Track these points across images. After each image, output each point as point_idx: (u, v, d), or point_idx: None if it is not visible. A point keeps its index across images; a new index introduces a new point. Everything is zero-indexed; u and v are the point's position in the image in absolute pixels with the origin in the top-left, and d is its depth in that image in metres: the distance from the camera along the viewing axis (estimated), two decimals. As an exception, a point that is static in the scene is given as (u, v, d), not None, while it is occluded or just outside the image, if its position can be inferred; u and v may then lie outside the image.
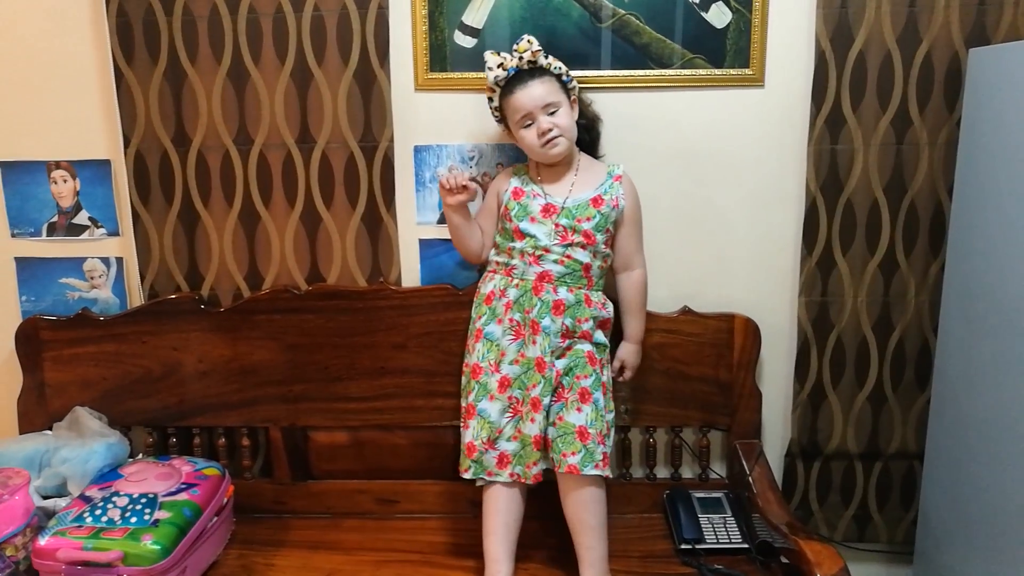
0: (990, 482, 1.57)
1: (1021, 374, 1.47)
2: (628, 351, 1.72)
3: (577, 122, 1.66)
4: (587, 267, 1.61)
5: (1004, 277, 1.52)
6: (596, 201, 1.62)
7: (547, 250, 1.59)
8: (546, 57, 1.60)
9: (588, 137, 1.71)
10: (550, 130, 1.57)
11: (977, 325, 1.61)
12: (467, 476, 1.60)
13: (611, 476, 1.62)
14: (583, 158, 1.69)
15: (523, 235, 1.61)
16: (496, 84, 1.61)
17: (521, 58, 1.58)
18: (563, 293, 1.59)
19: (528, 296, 1.59)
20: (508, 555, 1.58)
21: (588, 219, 1.60)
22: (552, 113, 1.58)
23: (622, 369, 1.73)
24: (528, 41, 1.57)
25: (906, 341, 1.82)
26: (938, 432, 1.77)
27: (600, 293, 1.65)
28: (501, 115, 1.65)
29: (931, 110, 1.72)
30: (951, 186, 1.72)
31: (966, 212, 1.66)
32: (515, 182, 1.67)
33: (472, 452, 1.58)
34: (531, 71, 1.58)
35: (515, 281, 1.61)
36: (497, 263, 1.66)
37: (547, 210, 1.61)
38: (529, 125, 1.59)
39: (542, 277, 1.59)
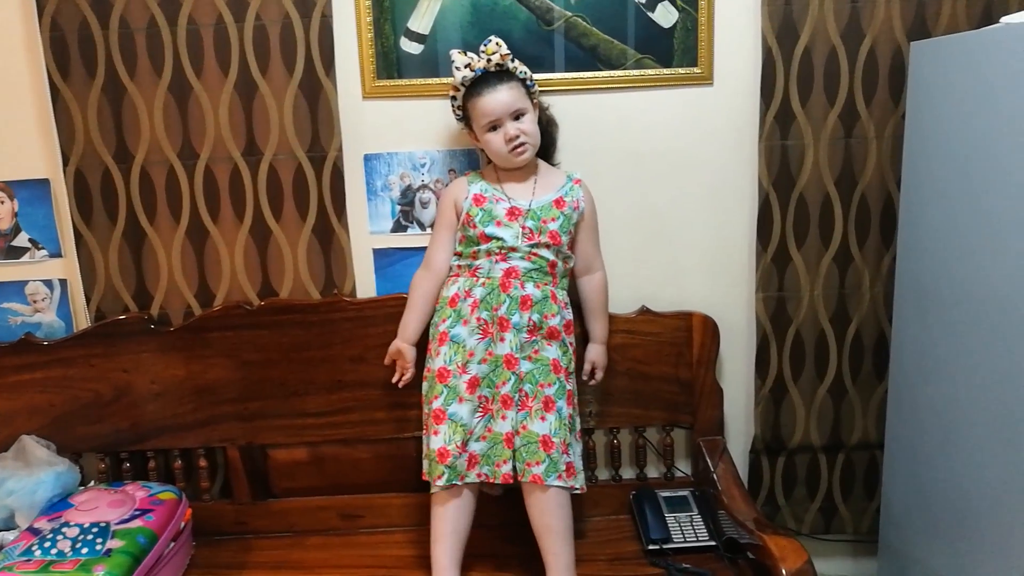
0: (948, 469, 1.58)
1: (973, 362, 1.49)
2: (596, 352, 1.72)
3: None
4: (552, 264, 1.61)
5: (952, 266, 1.54)
6: (558, 203, 1.62)
7: (514, 248, 1.58)
8: (513, 61, 1.59)
9: (543, 142, 1.69)
10: (517, 136, 1.56)
11: (929, 314, 1.63)
12: (440, 483, 1.55)
13: (582, 490, 1.59)
14: (540, 163, 1.68)
15: (489, 239, 1.59)
16: (462, 84, 1.58)
17: (489, 60, 1.56)
18: (530, 288, 1.58)
19: (496, 293, 1.58)
20: (454, 563, 1.56)
21: (553, 220, 1.60)
22: (518, 118, 1.57)
23: (592, 372, 1.72)
24: (496, 43, 1.56)
25: (863, 333, 1.84)
26: (896, 421, 1.79)
27: (564, 292, 1.65)
28: (464, 114, 1.63)
29: (877, 103, 1.73)
30: (900, 178, 1.74)
31: (914, 203, 1.68)
32: (474, 189, 1.64)
33: (446, 457, 1.55)
34: (498, 74, 1.57)
35: (481, 280, 1.60)
36: (459, 267, 1.64)
37: (512, 213, 1.60)
38: (495, 129, 1.57)
39: (509, 273, 1.58)
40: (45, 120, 1.75)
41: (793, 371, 1.86)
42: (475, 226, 1.60)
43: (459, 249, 1.65)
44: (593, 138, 1.77)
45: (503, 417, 1.56)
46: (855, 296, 1.82)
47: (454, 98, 1.63)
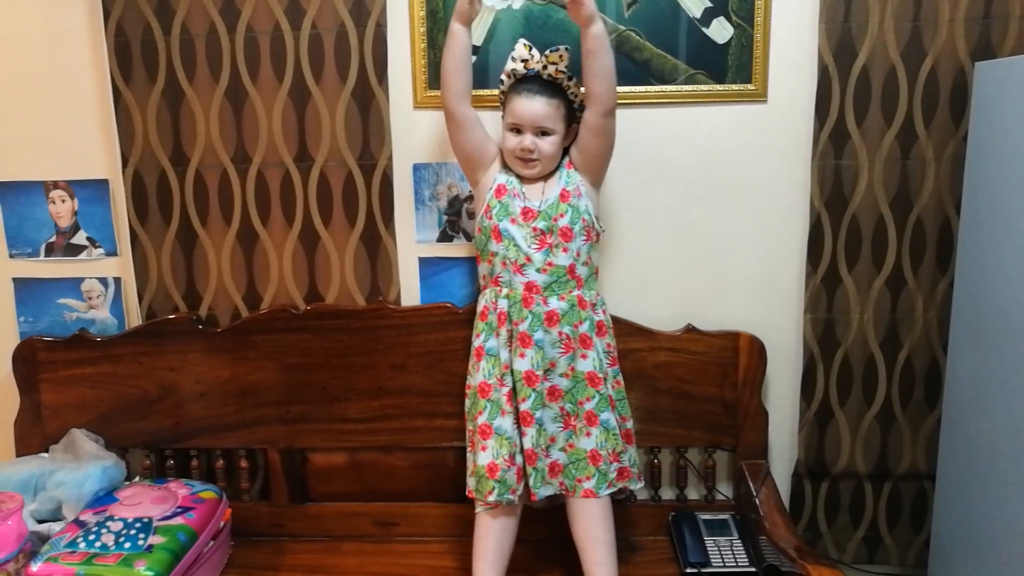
0: (1003, 505, 1.53)
1: (1033, 394, 1.44)
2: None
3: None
4: (571, 269, 1.57)
5: (1014, 294, 1.49)
6: (564, 196, 1.58)
7: (528, 259, 1.56)
8: (570, 79, 1.56)
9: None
10: (531, 152, 1.54)
11: (987, 342, 1.58)
12: (492, 498, 1.53)
13: (633, 490, 1.66)
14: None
15: (501, 236, 1.57)
16: (512, 74, 1.57)
17: (546, 67, 1.54)
18: (554, 303, 1.56)
19: (518, 308, 1.56)
20: None
21: (562, 215, 1.56)
22: (542, 135, 1.55)
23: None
24: (561, 56, 1.53)
25: (914, 359, 1.79)
26: (949, 453, 1.73)
27: (592, 292, 1.61)
28: (503, 102, 1.61)
29: (937, 125, 1.69)
30: (958, 201, 1.69)
31: (974, 228, 1.63)
32: (500, 178, 1.61)
33: (495, 472, 1.53)
34: (548, 84, 1.55)
35: (504, 291, 1.58)
36: (484, 276, 1.64)
37: (526, 213, 1.57)
38: (516, 132, 1.56)
39: (529, 288, 1.56)
40: (107, 122, 1.80)
41: (840, 395, 1.81)
42: (491, 217, 1.58)
43: (478, 250, 1.64)
44: (644, 152, 1.76)
45: (523, 434, 1.55)
46: (907, 321, 1.77)
47: (502, 82, 1.60)
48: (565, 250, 1.56)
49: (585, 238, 1.59)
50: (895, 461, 1.83)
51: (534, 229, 1.56)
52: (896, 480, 1.84)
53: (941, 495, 1.76)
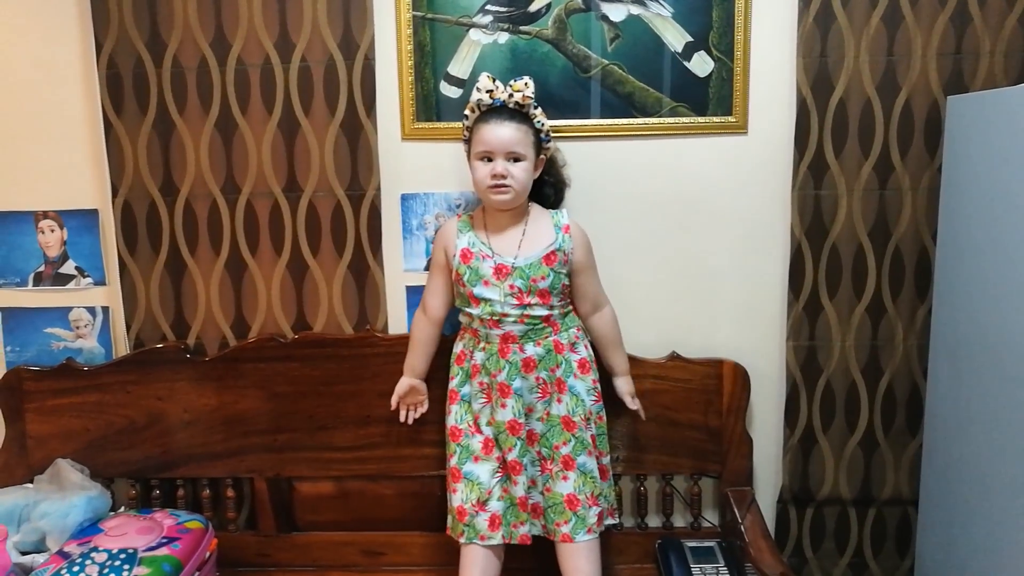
0: (985, 530, 1.54)
1: (1011, 418, 1.46)
2: (624, 383, 1.70)
3: (544, 179, 1.65)
4: (547, 318, 1.58)
5: (989, 320, 1.52)
6: (549, 259, 1.57)
7: (505, 314, 1.56)
8: (536, 107, 1.56)
9: (553, 196, 1.69)
10: (503, 176, 1.52)
11: (965, 369, 1.61)
12: (462, 540, 1.56)
13: (612, 525, 1.64)
14: (533, 208, 1.64)
15: (478, 300, 1.57)
16: (478, 106, 1.57)
17: (511, 95, 1.54)
18: (531, 349, 1.57)
19: (495, 359, 1.56)
20: None
21: (543, 278, 1.56)
22: (513, 161, 1.54)
23: (632, 400, 1.69)
24: (525, 84, 1.54)
25: (896, 385, 1.81)
26: (931, 479, 1.75)
27: (569, 332, 1.61)
28: (469, 136, 1.59)
29: (912, 156, 1.73)
30: (935, 230, 1.73)
31: (951, 256, 1.67)
32: (462, 242, 1.61)
33: (464, 516, 1.56)
34: (515, 113, 1.54)
35: (481, 344, 1.59)
36: (463, 324, 1.65)
37: (499, 271, 1.56)
38: (486, 160, 1.55)
39: (506, 339, 1.56)
40: (97, 153, 1.81)
41: (823, 422, 1.83)
42: (464, 284, 1.58)
43: (458, 304, 1.65)
44: (626, 184, 1.79)
45: (514, 482, 1.57)
46: (888, 348, 1.80)
47: (467, 117, 1.59)
48: (541, 304, 1.57)
49: (561, 297, 1.61)
50: (878, 487, 1.85)
51: (511, 287, 1.55)
52: (880, 506, 1.86)
53: (924, 520, 1.78)
